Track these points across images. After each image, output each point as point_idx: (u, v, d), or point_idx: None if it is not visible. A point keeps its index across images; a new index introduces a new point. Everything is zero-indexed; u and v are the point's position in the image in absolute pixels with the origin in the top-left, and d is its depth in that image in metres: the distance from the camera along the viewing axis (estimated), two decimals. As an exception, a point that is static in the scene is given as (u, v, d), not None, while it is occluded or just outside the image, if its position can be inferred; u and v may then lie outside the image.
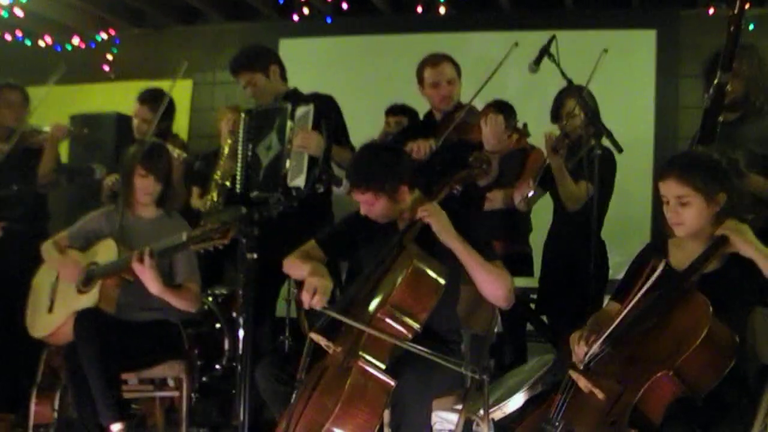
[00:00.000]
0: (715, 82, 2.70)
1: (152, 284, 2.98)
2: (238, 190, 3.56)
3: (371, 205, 2.61)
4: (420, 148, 3.27)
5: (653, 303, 2.20)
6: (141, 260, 2.95)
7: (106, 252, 3.15)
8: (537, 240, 4.02)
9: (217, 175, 3.61)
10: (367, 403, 2.26)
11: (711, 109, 2.77)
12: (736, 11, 2.63)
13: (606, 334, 2.20)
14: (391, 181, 2.57)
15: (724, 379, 2.08)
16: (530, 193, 3.54)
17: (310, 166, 3.34)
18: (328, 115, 3.46)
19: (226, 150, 3.62)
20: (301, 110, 3.39)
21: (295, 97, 3.62)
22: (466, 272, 2.52)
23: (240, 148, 3.56)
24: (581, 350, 2.24)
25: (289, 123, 3.36)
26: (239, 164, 3.56)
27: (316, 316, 2.51)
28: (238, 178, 3.56)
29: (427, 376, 2.35)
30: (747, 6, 2.58)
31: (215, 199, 3.58)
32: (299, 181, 3.32)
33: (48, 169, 4.06)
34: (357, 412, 2.24)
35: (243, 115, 3.58)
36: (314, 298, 2.45)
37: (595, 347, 2.21)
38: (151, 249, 2.96)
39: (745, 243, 2.14)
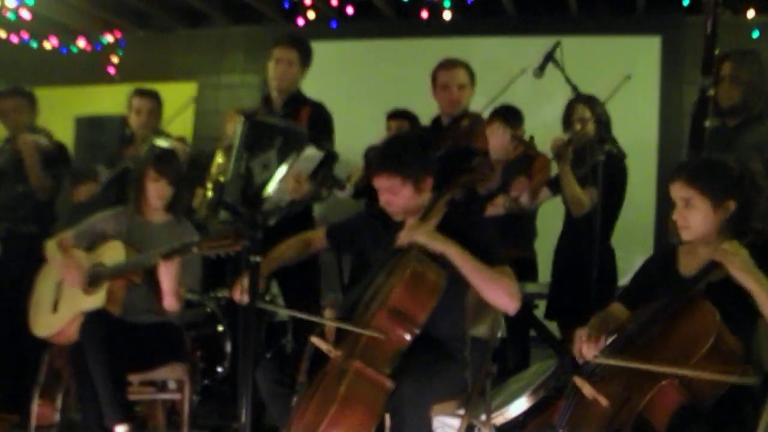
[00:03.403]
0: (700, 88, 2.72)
1: (171, 281, 2.99)
2: (226, 198, 3.49)
3: (395, 194, 2.56)
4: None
5: (659, 310, 2.19)
6: (165, 259, 2.94)
7: (113, 253, 3.15)
8: (545, 246, 4.02)
9: (213, 170, 3.60)
10: (363, 404, 2.25)
11: (696, 114, 2.78)
12: (710, 17, 2.64)
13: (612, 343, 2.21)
14: (421, 168, 2.55)
15: (729, 387, 2.08)
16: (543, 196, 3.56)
17: (287, 208, 3.30)
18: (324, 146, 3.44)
19: (227, 151, 3.60)
20: (310, 151, 3.25)
21: (299, 100, 3.62)
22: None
23: (234, 153, 3.47)
24: (589, 351, 2.21)
25: (293, 156, 3.24)
26: (231, 172, 3.48)
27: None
28: (228, 186, 3.48)
29: (426, 381, 2.34)
30: (753, 13, 2.59)
31: (209, 193, 3.57)
32: (271, 219, 3.27)
33: (35, 179, 4.00)
34: (353, 413, 2.24)
35: (242, 118, 3.49)
36: (241, 296, 2.48)
37: (602, 357, 2.21)
38: (167, 252, 2.97)
39: (740, 271, 2.07)
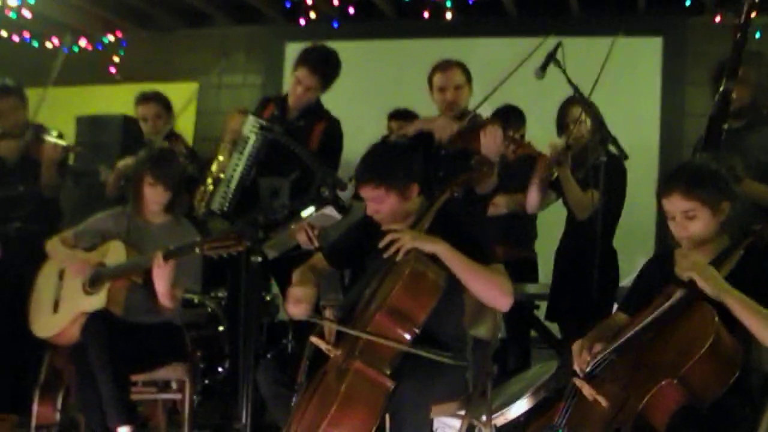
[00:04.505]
0: (720, 89, 2.71)
1: (164, 284, 2.99)
2: (220, 207, 3.47)
3: (380, 203, 2.57)
4: (445, 127, 3.28)
5: (658, 312, 2.20)
6: (166, 259, 2.94)
7: (114, 253, 3.15)
8: (546, 247, 4.02)
9: (214, 168, 3.59)
10: (363, 403, 2.26)
11: (716, 116, 2.77)
12: (742, 20, 2.63)
13: (611, 348, 2.21)
14: (404, 177, 2.55)
15: (728, 388, 2.08)
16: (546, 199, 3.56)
17: (289, 249, 3.32)
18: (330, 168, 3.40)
19: (229, 146, 3.60)
20: (329, 211, 3.14)
21: (316, 113, 3.61)
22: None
23: (242, 162, 3.45)
24: (583, 361, 2.25)
25: (310, 208, 3.13)
26: (234, 182, 3.45)
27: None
28: (229, 195, 3.46)
29: (427, 382, 2.34)
30: (753, 14, 2.59)
31: (209, 189, 3.56)
32: (272, 253, 3.26)
33: (48, 182, 4.01)
34: (353, 413, 2.24)
35: (258, 128, 3.44)
36: (297, 308, 2.46)
37: (599, 357, 2.23)
38: (168, 252, 2.97)
39: (714, 287, 2.09)
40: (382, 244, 2.45)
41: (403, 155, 2.62)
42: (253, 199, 3.48)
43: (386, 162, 2.56)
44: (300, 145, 3.35)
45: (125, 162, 3.91)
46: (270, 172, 3.48)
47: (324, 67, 3.54)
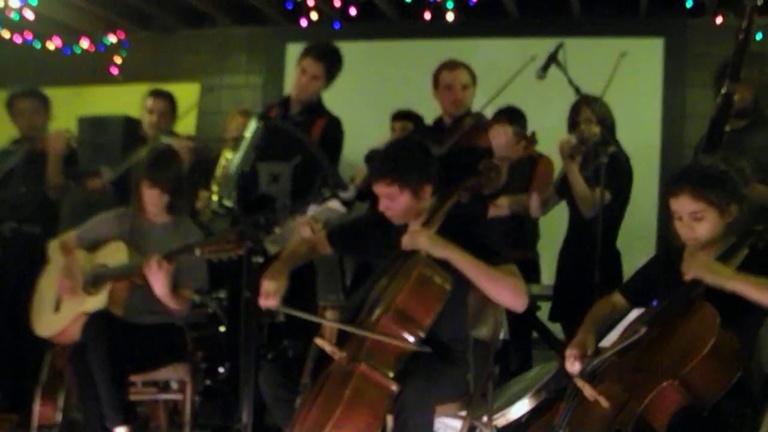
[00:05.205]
0: (723, 91, 2.71)
1: (161, 287, 2.98)
2: (225, 201, 3.45)
3: (393, 200, 2.57)
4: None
5: (660, 312, 2.20)
6: (159, 265, 2.93)
7: (116, 254, 3.16)
8: (548, 247, 4.01)
9: (218, 172, 3.59)
10: (368, 406, 2.26)
11: (718, 118, 2.77)
12: (745, 22, 2.63)
13: (595, 363, 2.26)
14: (420, 177, 2.56)
15: (729, 389, 2.08)
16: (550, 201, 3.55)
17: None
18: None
19: (231, 145, 3.60)
20: (334, 205, 3.17)
21: (317, 110, 3.62)
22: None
23: (241, 154, 3.45)
24: (575, 369, 2.29)
25: (317, 204, 3.14)
26: (235, 173, 3.45)
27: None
28: (230, 188, 3.45)
29: (430, 383, 2.35)
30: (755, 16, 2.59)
31: (214, 197, 3.56)
32: (273, 248, 3.22)
33: (54, 179, 4.02)
34: (357, 415, 2.24)
35: (255, 120, 3.46)
36: (267, 302, 2.48)
37: (598, 360, 2.23)
38: (168, 254, 2.96)
39: (716, 278, 2.11)
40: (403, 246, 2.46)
41: (422, 155, 2.62)
42: (252, 185, 3.47)
43: (403, 160, 2.57)
44: (302, 132, 3.36)
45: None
46: (271, 159, 3.46)
47: (328, 57, 3.57)
